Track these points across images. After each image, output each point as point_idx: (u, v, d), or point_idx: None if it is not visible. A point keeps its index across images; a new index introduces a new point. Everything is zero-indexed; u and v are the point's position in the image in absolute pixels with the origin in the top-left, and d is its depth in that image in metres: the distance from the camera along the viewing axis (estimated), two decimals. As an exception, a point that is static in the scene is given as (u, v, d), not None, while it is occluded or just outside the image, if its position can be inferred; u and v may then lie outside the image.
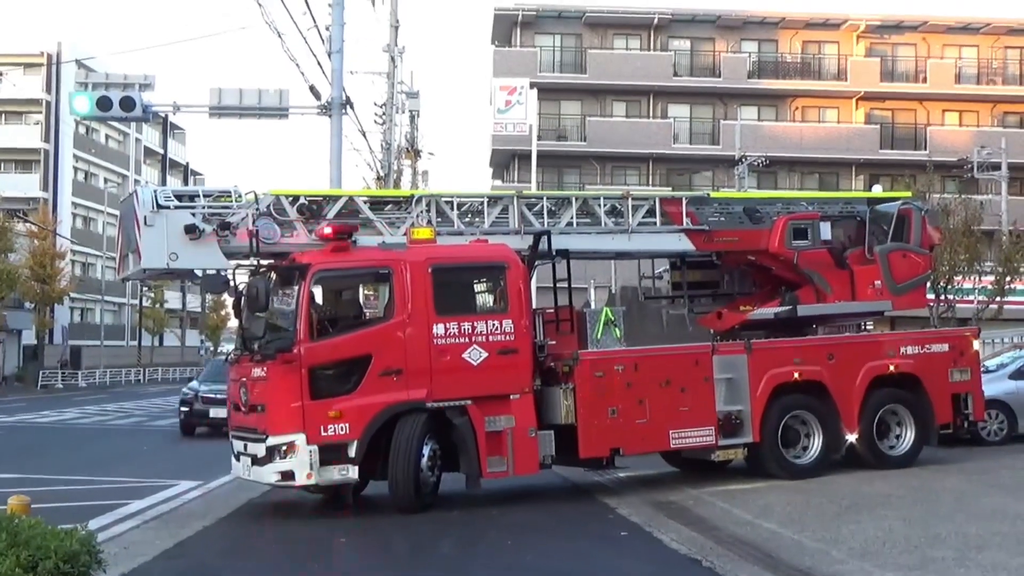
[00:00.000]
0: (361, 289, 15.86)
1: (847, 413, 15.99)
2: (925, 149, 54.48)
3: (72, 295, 74.54)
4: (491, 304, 14.78)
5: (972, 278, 34.88)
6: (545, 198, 16.37)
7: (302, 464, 13.23)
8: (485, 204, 15.81)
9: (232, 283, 14.24)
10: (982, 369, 18.28)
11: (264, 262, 14.40)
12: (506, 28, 58.30)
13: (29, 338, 70.59)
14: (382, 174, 39.41)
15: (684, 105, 58.34)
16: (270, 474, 13.57)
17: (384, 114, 40.28)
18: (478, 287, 15.13)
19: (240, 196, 14.50)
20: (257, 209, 14.32)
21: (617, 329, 15.60)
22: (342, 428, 13.30)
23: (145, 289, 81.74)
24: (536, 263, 15.49)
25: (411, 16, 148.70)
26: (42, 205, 74.57)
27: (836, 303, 16.97)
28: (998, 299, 35.58)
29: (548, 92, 54.77)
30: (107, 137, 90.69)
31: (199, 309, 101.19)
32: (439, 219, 15.25)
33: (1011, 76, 59.47)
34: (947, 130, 58.28)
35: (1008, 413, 19.85)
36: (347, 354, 13.70)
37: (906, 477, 15.38)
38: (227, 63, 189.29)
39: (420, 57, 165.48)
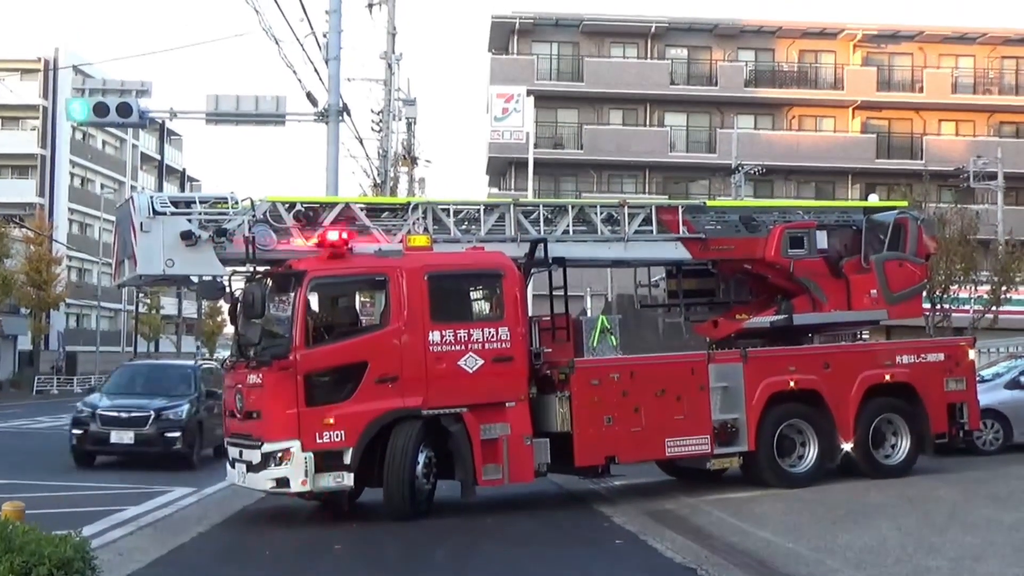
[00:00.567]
0: (357, 296, 15.83)
1: (843, 422, 16.00)
2: (921, 159, 54.59)
3: (68, 301, 74.44)
4: (487, 312, 14.78)
5: (968, 287, 34.94)
6: (541, 206, 16.38)
7: (297, 471, 13.21)
8: (481, 212, 15.82)
9: (228, 290, 14.24)
10: (978, 379, 18.30)
11: (260, 269, 14.38)
12: (503, 36, 58.34)
13: (25, 344, 70.52)
14: (379, 181, 39.39)
15: (681, 113, 58.38)
16: (265, 481, 13.55)
17: (381, 121, 40.25)
18: (474, 295, 15.14)
19: (236, 203, 14.49)
20: (253, 216, 14.33)
21: (613, 337, 15.58)
22: (337, 435, 13.28)
23: (141, 295, 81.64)
24: (532, 271, 15.49)
25: (408, 23, 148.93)
26: (38, 211, 74.50)
27: (832, 312, 16.99)
28: (994, 309, 35.64)
29: (545, 100, 54.75)
30: (104, 143, 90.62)
31: (195, 315, 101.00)
32: (435, 227, 15.26)
33: (1007, 86, 59.57)
34: (943, 140, 58.33)
35: (1004, 423, 19.87)
36: (343, 361, 13.69)
37: (901, 486, 15.38)
38: (224, 70, 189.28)
39: (417, 65, 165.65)
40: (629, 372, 15.00)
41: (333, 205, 15.26)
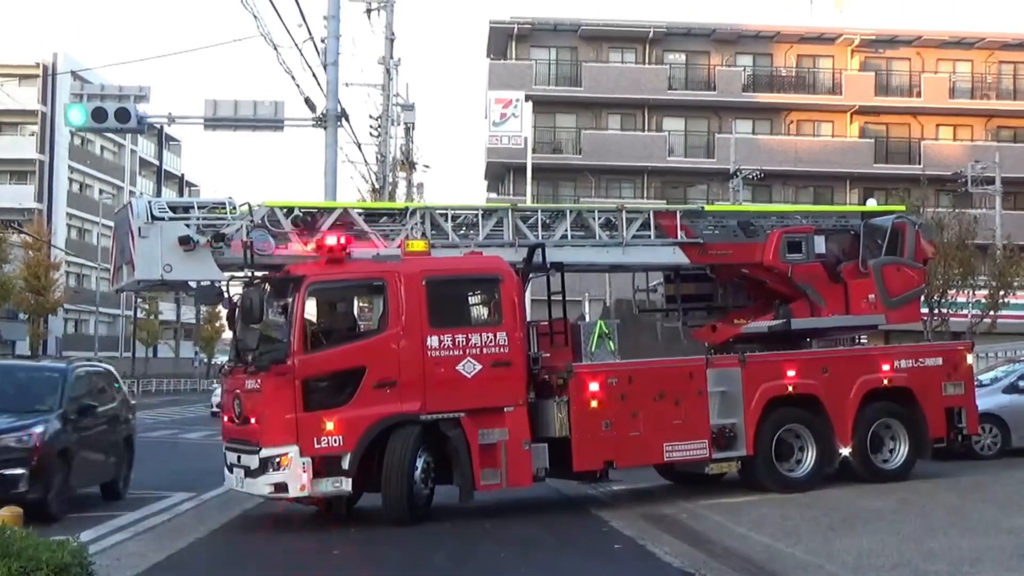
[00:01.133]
0: (355, 301, 15.84)
1: (841, 427, 15.99)
2: (919, 163, 54.57)
3: (66, 306, 74.52)
4: (485, 316, 14.78)
5: (966, 292, 34.95)
6: (539, 211, 16.40)
7: (295, 476, 13.20)
8: (480, 217, 15.84)
9: (226, 295, 14.25)
10: (976, 383, 18.29)
11: (258, 274, 14.38)
12: (501, 41, 58.36)
13: (23, 349, 70.49)
14: (377, 186, 39.44)
15: (679, 118, 58.41)
16: (263, 486, 13.54)
17: (380, 126, 40.31)
18: (472, 299, 15.15)
19: (235, 208, 14.52)
20: (251, 221, 14.35)
21: (611, 342, 15.58)
22: (336, 440, 13.28)
23: (139, 300, 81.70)
24: (530, 276, 15.51)
25: (407, 29, 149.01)
26: (37, 216, 74.54)
27: (830, 317, 17.00)
28: (992, 313, 35.65)
29: (543, 105, 54.83)
30: (102, 148, 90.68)
31: (193, 321, 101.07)
32: (434, 232, 15.28)
33: (1005, 90, 59.63)
34: (941, 144, 58.41)
35: (1002, 427, 19.85)
36: (341, 366, 13.69)
37: (899, 491, 15.36)
38: (223, 75, 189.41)
39: (416, 70, 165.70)
40: (627, 377, 14.99)
41: (331, 210, 15.28)
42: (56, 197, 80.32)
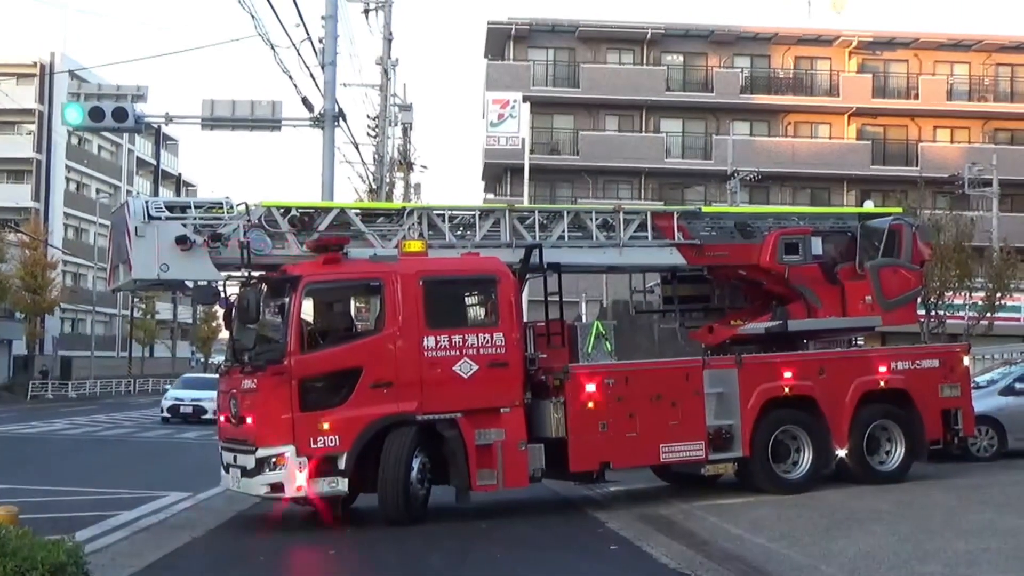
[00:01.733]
0: (352, 301, 15.84)
1: (837, 428, 16.00)
2: (917, 165, 54.63)
3: (63, 305, 74.42)
4: (482, 317, 14.77)
5: (963, 294, 34.96)
6: (537, 212, 16.42)
7: (292, 476, 13.21)
8: (477, 217, 15.86)
9: (223, 294, 14.24)
10: (972, 385, 18.30)
11: (255, 273, 14.39)
12: (499, 42, 58.36)
13: (20, 348, 70.45)
14: (375, 186, 39.45)
15: (677, 120, 58.42)
16: (259, 486, 13.54)
17: (377, 127, 40.31)
18: (469, 300, 15.14)
19: (232, 207, 14.53)
20: (248, 220, 14.36)
21: (608, 343, 15.63)
22: (332, 440, 13.28)
23: (136, 300, 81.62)
24: (527, 276, 15.50)
25: (405, 29, 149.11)
26: (34, 215, 74.48)
27: (827, 318, 17.01)
28: (988, 315, 35.65)
29: (541, 106, 54.81)
30: (100, 148, 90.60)
31: (190, 320, 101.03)
32: (431, 232, 15.29)
33: (1002, 93, 59.66)
34: (938, 146, 58.45)
35: (998, 429, 19.84)
36: (337, 366, 13.69)
37: (896, 493, 15.37)
38: (220, 75, 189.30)
39: (413, 70, 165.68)
40: (624, 378, 15.00)
41: (328, 210, 15.29)
42: (53, 196, 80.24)
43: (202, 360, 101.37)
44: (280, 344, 13.46)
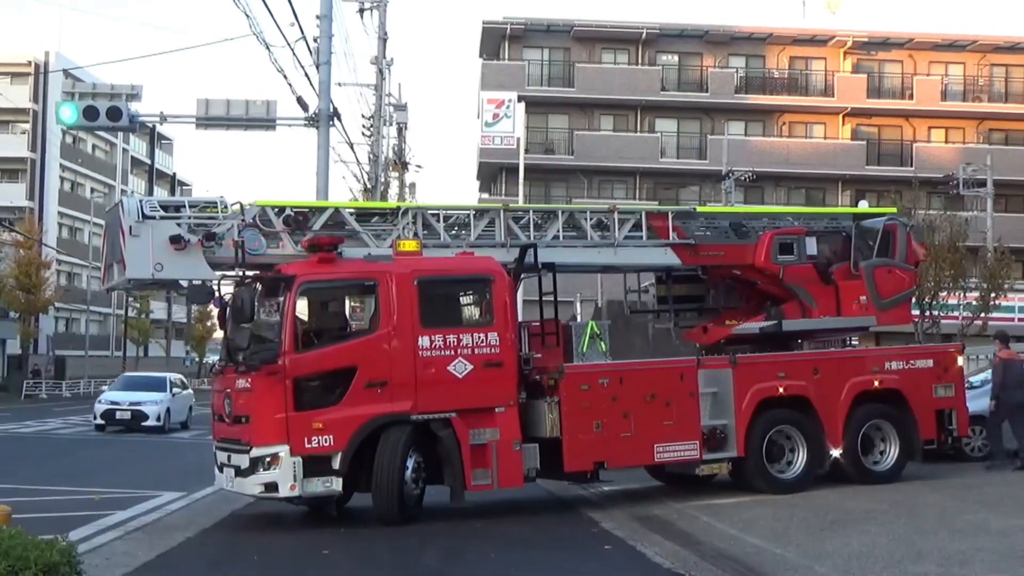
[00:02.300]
0: (347, 301, 15.83)
1: (831, 428, 16.02)
2: (911, 165, 54.74)
3: (57, 305, 74.38)
4: (477, 317, 14.76)
5: (957, 294, 35.01)
6: (531, 211, 16.42)
7: (286, 476, 13.19)
8: (471, 217, 15.85)
9: (217, 294, 14.23)
10: (966, 385, 18.31)
11: (249, 273, 14.37)
12: (494, 41, 58.36)
13: (14, 348, 70.36)
14: (369, 186, 39.41)
15: (671, 120, 58.44)
16: (253, 486, 13.52)
17: (372, 126, 40.29)
18: (464, 300, 15.13)
19: (226, 207, 14.52)
20: (243, 220, 14.34)
21: (603, 343, 15.62)
22: (326, 440, 13.26)
23: (131, 299, 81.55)
24: (522, 276, 15.50)
25: (400, 29, 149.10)
26: (28, 214, 74.38)
27: (821, 318, 17.01)
28: (983, 315, 35.70)
29: (536, 105, 54.83)
30: (94, 147, 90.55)
31: (184, 320, 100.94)
32: (425, 232, 15.27)
33: (997, 93, 59.71)
34: (933, 146, 58.52)
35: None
36: (332, 366, 13.67)
37: (890, 492, 15.41)
38: (215, 74, 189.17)
39: (409, 70, 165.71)
40: (618, 377, 15.01)
41: (323, 210, 15.28)
42: (47, 195, 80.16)
43: (196, 360, 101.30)
44: (274, 344, 13.44)
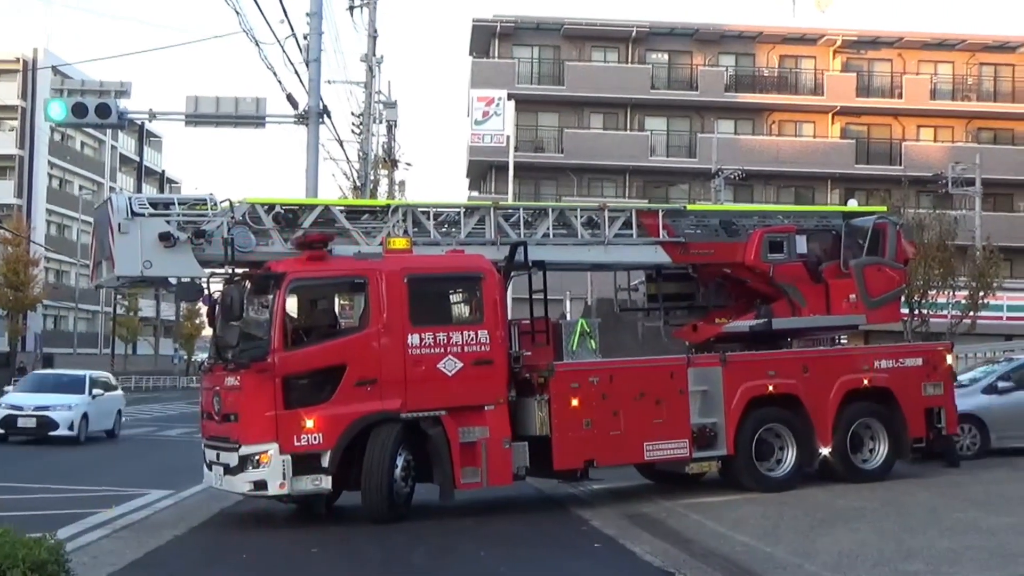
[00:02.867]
0: (336, 299, 15.79)
1: (821, 426, 16.00)
2: (900, 164, 54.83)
3: (45, 302, 74.18)
4: (467, 315, 14.75)
5: (946, 293, 35.08)
6: (521, 209, 16.39)
7: (275, 474, 13.16)
8: (462, 215, 15.83)
9: (207, 291, 14.19)
10: (955, 384, 18.31)
11: (239, 270, 14.33)
12: (484, 39, 58.31)
13: (2, 345, 70.15)
14: (359, 184, 39.34)
15: (661, 118, 58.46)
16: (242, 484, 13.49)
17: (361, 124, 40.21)
18: (454, 297, 15.11)
19: (215, 204, 14.47)
20: (232, 217, 14.29)
21: (592, 341, 15.58)
22: (315, 438, 13.23)
23: (119, 297, 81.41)
24: (512, 274, 15.47)
25: (390, 26, 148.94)
26: (16, 212, 74.24)
27: (811, 316, 17.01)
28: (971, 314, 35.78)
29: (526, 104, 54.81)
30: (82, 144, 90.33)
31: (173, 318, 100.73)
32: (415, 229, 15.24)
33: (986, 92, 59.85)
34: (922, 145, 58.64)
35: (981, 428, 19.87)
36: (321, 364, 13.63)
37: (879, 490, 15.40)
38: (204, 72, 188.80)
39: (398, 68, 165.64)
40: (608, 376, 14.98)
41: (313, 207, 15.26)
42: (36, 193, 79.98)
43: (184, 358, 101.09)
44: (264, 341, 13.40)
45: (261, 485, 13.31)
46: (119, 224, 13.89)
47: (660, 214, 16.73)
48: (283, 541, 13.02)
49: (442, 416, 13.82)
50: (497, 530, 13.50)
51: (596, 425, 14.70)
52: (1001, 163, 55.62)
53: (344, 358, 13.61)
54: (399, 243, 14.37)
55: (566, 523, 13.96)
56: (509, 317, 15.33)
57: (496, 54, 57.68)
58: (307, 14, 22.96)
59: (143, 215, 14.03)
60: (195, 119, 22.55)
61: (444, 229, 15.66)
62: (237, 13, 20.41)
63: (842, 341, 19.80)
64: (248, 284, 14.12)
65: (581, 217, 16.29)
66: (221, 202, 14.52)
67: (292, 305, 14.02)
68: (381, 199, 40.51)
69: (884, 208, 21.91)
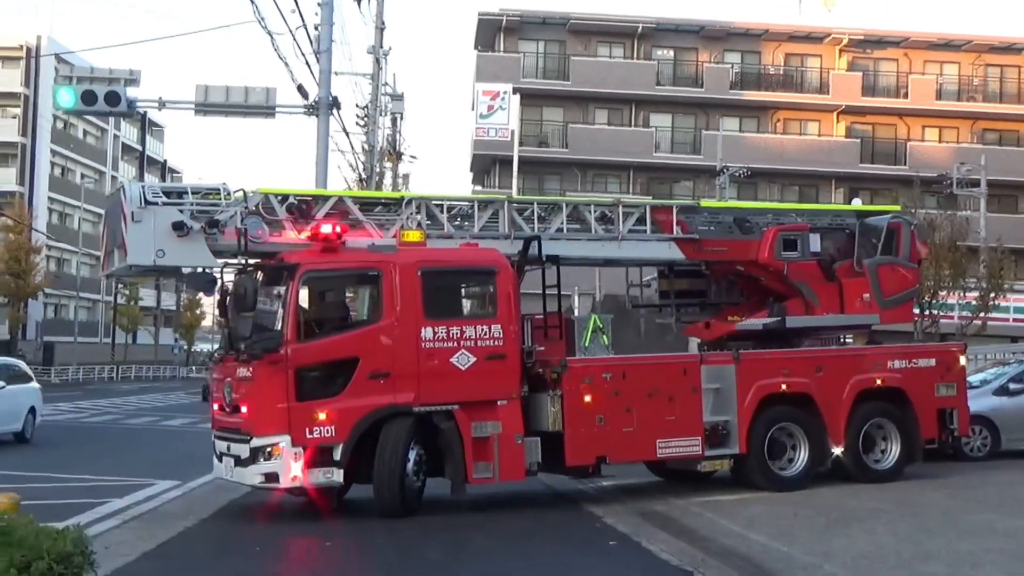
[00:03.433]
0: (349, 291, 15.69)
1: (833, 426, 15.91)
2: (905, 164, 54.77)
3: (47, 291, 74.10)
4: (480, 309, 14.66)
5: (956, 294, 35.02)
6: (535, 203, 16.29)
7: (286, 466, 13.06)
8: (475, 208, 15.73)
9: (219, 281, 14.10)
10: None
11: (252, 261, 14.23)
12: (490, 33, 58.18)
13: (2, 333, 70.09)
14: (364, 176, 39.29)
15: (666, 114, 58.36)
16: (253, 476, 13.39)
17: (367, 116, 40.15)
18: (467, 291, 15.02)
19: (229, 194, 14.36)
20: (246, 207, 14.18)
21: (605, 336, 15.51)
22: (328, 431, 13.14)
23: (120, 286, 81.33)
24: (526, 268, 15.37)
25: (397, 19, 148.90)
26: (18, 199, 74.13)
27: (824, 315, 16.93)
28: (982, 315, 35.72)
29: (531, 98, 54.65)
30: (85, 133, 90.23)
31: (173, 307, 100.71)
32: (428, 222, 15.14)
33: (991, 93, 59.77)
34: (927, 145, 58.54)
35: (992, 429, 19.83)
36: (334, 356, 13.55)
37: (892, 491, 15.33)
38: (209, 62, 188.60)
39: (404, 60, 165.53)
40: (621, 372, 14.88)
41: (326, 198, 15.14)
42: (38, 181, 79.90)
43: (185, 348, 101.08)
44: (277, 333, 13.29)
45: (272, 477, 13.22)
46: (132, 213, 13.77)
47: (674, 210, 16.65)
48: (295, 533, 12.93)
49: (455, 410, 13.73)
50: (510, 526, 13.42)
51: (609, 421, 14.61)
52: (1006, 164, 55.45)
53: (357, 351, 13.51)
54: (413, 236, 14.28)
55: (579, 520, 13.85)
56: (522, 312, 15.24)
57: (502, 48, 57.56)
58: (318, 3, 22.87)
59: (156, 204, 13.91)
60: (205, 108, 22.45)
61: (457, 222, 15.56)
62: (252, 2, 20.28)
63: (847, 341, 19.70)
64: (261, 275, 14.03)
65: (595, 212, 16.20)
66: (235, 192, 14.41)
67: (305, 296, 13.93)
68: (393, 191, 40.42)
69: (898, 207, 21.80)
